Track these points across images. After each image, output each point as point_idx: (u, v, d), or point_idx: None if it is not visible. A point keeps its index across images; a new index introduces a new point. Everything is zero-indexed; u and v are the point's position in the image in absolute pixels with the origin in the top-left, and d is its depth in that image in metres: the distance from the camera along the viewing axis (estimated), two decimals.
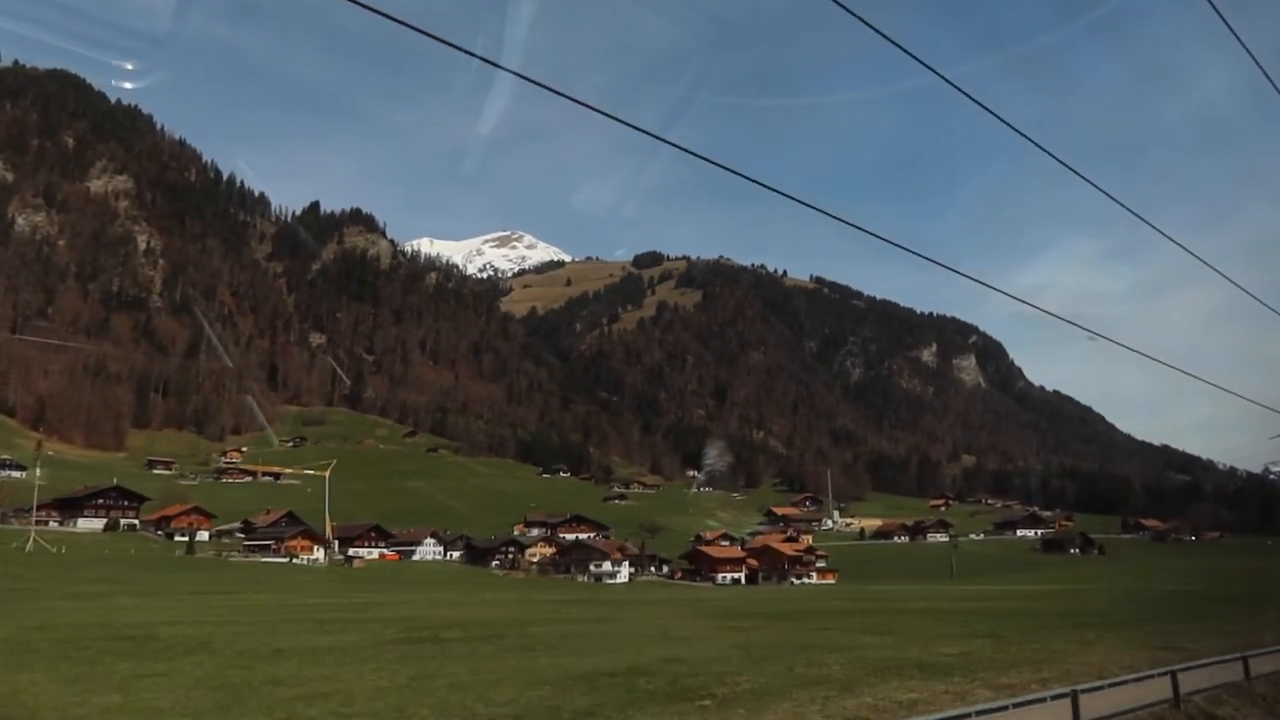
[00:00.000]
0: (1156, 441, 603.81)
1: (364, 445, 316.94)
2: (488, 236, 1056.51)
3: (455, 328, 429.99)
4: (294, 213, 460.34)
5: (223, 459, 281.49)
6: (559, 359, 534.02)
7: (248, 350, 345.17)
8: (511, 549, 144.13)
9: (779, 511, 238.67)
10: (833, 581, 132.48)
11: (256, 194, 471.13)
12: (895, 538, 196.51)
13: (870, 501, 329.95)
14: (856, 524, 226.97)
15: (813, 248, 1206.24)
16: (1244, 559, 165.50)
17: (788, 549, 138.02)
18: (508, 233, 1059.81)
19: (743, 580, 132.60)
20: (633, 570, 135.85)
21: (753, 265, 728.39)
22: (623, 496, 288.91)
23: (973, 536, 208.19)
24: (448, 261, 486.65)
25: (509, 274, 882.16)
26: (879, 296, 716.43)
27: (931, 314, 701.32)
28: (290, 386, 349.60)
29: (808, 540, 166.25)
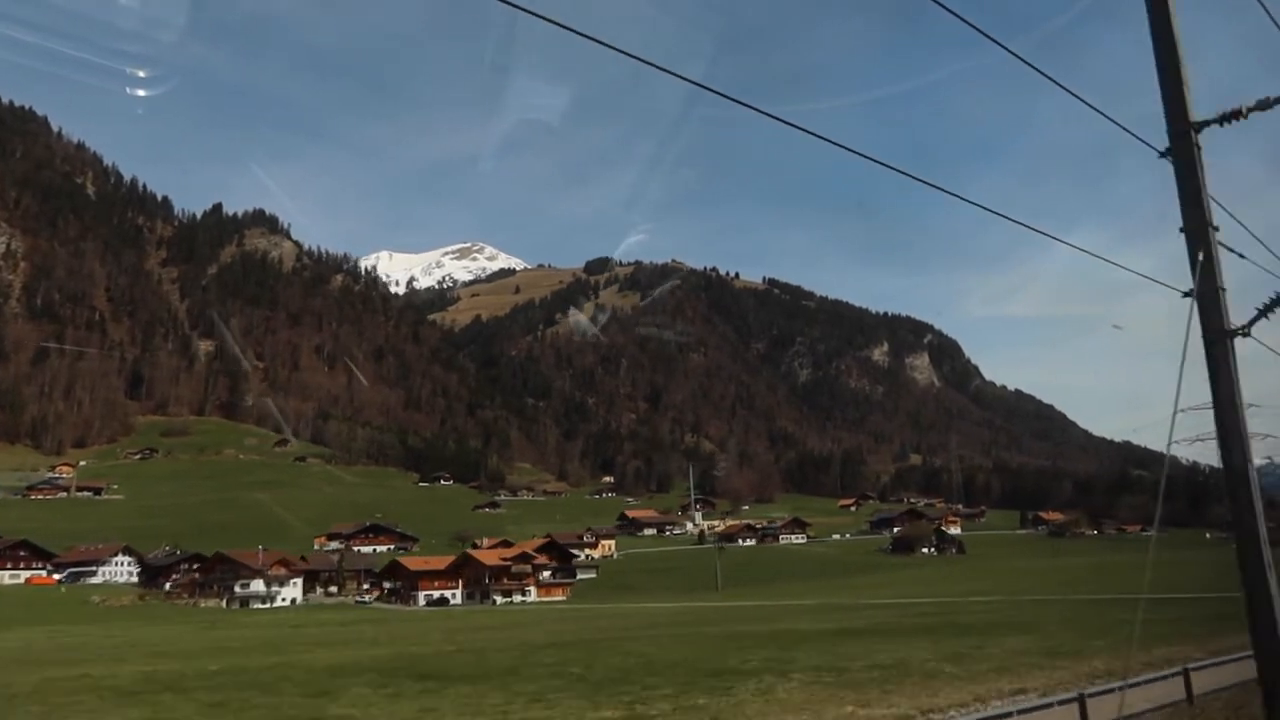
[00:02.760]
0: (1118, 438, 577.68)
1: (223, 455, 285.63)
2: (448, 249, 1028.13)
3: (359, 331, 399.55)
4: (195, 216, 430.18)
5: (49, 474, 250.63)
6: (490, 365, 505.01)
7: (108, 357, 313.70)
8: (196, 565, 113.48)
9: (632, 514, 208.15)
10: (560, 599, 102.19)
11: (159, 198, 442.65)
12: (740, 540, 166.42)
13: (779, 503, 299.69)
14: (719, 526, 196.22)
15: (783, 253, 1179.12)
16: (1132, 554, 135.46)
17: (492, 559, 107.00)
18: (468, 244, 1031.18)
19: (457, 598, 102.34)
20: (334, 589, 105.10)
21: (704, 268, 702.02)
22: (494, 504, 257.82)
23: (835, 537, 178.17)
24: (356, 262, 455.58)
25: (464, 284, 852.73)
26: (831, 297, 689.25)
27: (886, 314, 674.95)
28: (156, 395, 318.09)
29: (609, 546, 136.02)
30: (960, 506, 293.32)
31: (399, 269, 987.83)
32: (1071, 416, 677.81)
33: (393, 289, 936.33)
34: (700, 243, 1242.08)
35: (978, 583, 77.66)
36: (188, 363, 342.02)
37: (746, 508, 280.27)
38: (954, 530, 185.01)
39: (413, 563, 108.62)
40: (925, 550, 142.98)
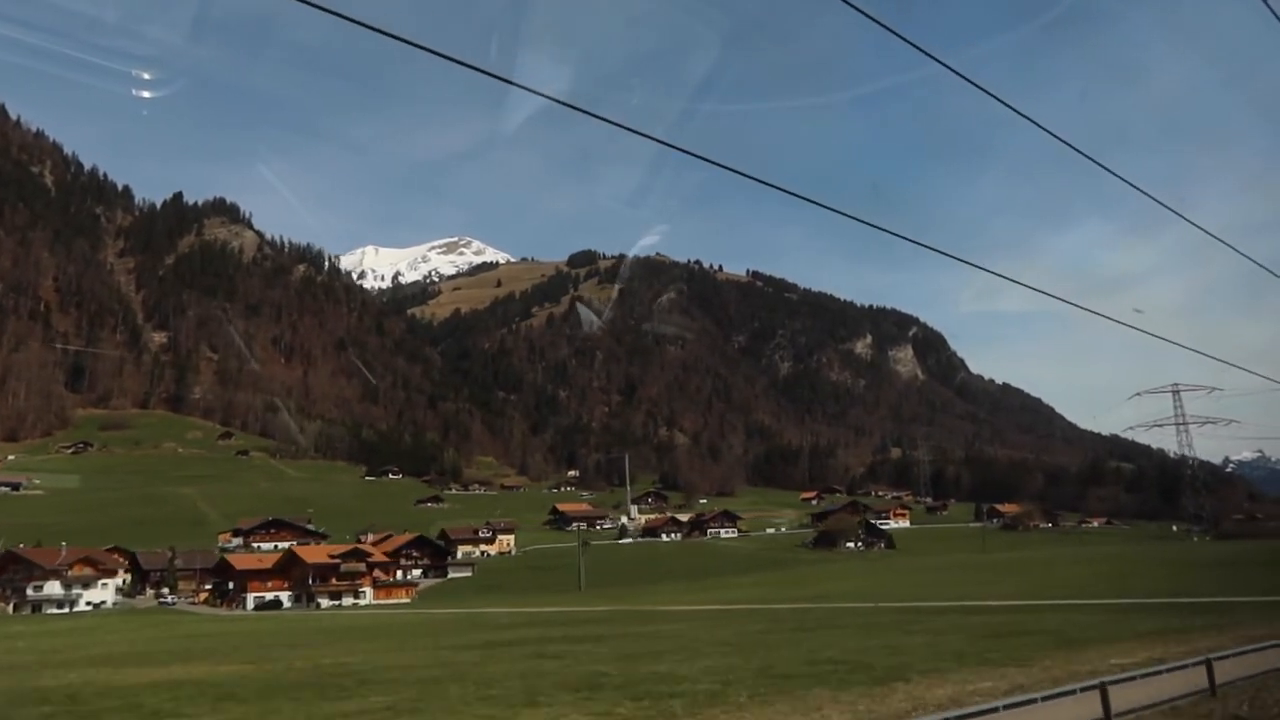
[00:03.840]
0: (1107, 431, 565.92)
1: (161, 449, 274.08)
2: (434, 243, 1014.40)
3: (320, 323, 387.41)
4: (155, 205, 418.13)
5: None
6: (463, 358, 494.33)
7: (49, 348, 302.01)
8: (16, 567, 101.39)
9: (562, 508, 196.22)
10: (403, 600, 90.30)
11: (120, 187, 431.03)
12: (663, 535, 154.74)
13: (741, 496, 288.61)
14: (656, 519, 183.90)
15: (778, 250, 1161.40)
16: (1073, 547, 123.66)
17: (317, 556, 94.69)
18: (455, 239, 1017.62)
19: (287, 601, 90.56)
20: (166, 590, 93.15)
21: (688, 261, 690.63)
22: (438, 499, 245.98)
23: (769, 531, 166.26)
24: (320, 252, 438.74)
25: (447, 278, 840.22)
26: (815, 289, 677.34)
27: (870, 306, 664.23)
28: (99, 387, 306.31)
29: (507, 541, 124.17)
30: (929, 499, 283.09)
31: (384, 264, 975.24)
32: (1060, 410, 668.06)
33: (377, 284, 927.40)
34: (699, 239, 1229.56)
35: (859, 582, 65.83)
36: (137, 354, 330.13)
37: (704, 500, 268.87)
38: (902, 523, 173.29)
39: (241, 561, 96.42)
40: (850, 545, 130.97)
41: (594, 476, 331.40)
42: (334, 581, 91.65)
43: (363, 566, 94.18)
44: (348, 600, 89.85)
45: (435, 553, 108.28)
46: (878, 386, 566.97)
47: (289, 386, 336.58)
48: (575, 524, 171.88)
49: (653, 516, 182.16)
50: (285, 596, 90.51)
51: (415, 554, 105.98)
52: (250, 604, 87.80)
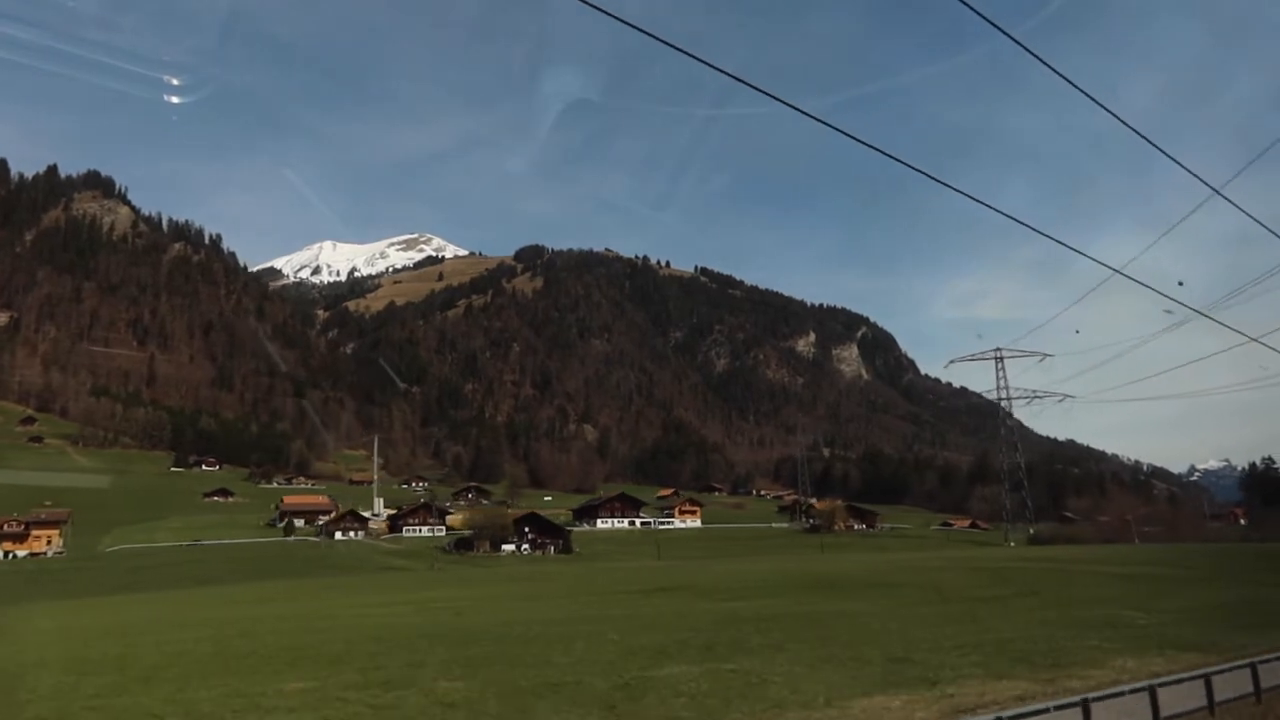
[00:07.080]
0: (1063, 436, 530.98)
1: None
2: (394, 239, 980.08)
3: (190, 304, 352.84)
4: (26, 178, 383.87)
5: None
6: (373, 348, 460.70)
7: None
8: None
9: (289, 502, 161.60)
10: None
11: None
12: (338, 533, 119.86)
13: (596, 492, 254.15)
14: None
15: (761, 253, 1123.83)
16: (789, 555, 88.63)
17: None
18: (415, 235, 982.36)
19: None
20: None
21: (635, 256, 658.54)
22: (226, 492, 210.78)
23: None
24: (198, 228, 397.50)
25: (393, 272, 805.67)
26: (763, 286, 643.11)
27: (819, 305, 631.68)
28: None
29: (48, 538, 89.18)
30: (812, 498, 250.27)
31: (341, 259, 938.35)
32: (1018, 414, 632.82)
33: (332, 278, 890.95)
34: (684, 240, 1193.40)
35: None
36: None
37: (549, 498, 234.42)
38: (690, 523, 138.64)
39: None
40: (506, 546, 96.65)
41: (455, 471, 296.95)
42: None
43: None
44: None
45: None
46: (817, 385, 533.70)
47: (128, 370, 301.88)
48: (296, 519, 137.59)
49: (333, 515, 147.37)
50: None
51: None
52: None
